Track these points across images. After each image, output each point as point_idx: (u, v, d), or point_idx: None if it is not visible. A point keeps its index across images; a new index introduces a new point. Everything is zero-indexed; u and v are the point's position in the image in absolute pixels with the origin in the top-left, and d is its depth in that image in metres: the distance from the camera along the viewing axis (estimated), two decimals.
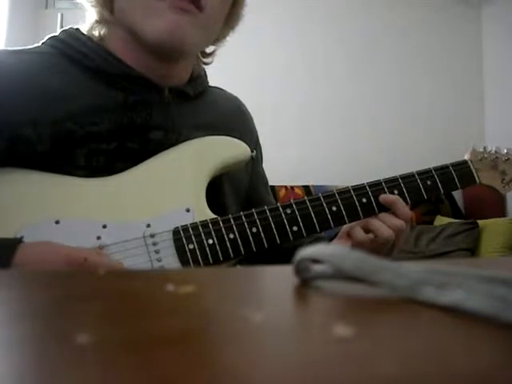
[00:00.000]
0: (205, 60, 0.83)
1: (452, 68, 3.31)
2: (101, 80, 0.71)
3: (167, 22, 0.66)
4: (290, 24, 3.17)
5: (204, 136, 0.75)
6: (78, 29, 0.75)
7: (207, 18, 0.69)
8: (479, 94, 3.34)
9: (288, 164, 2.98)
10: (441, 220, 2.84)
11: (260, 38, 3.12)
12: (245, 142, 0.79)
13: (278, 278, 0.32)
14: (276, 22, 3.16)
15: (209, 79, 0.88)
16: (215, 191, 0.75)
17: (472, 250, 2.51)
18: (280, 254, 0.76)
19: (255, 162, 0.85)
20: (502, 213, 2.90)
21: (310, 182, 2.85)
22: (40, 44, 0.75)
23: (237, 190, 0.81)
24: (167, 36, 0.67)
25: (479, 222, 2.62)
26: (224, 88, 0.90)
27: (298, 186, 2.78)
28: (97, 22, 0.74)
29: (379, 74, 3.23)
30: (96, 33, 0.74)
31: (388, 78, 3.24)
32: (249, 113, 0.90)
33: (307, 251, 0.26)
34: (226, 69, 2.76)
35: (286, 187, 2.79)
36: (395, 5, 3.27)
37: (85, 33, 0.74)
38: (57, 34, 0.75)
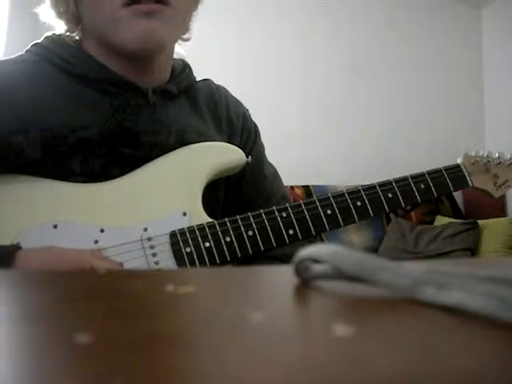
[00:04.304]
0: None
1: (452, 68, 3.31)
2: (85, 85, 0.71)
3: (136, 31, 0.66)
4: (290, 25, 3.17)
5: (193, 133, 0.76)
6: (60, 34, 0.75)
7: (175, 10, 0.68)
8: (479, 94, 3.34)
9: (288, 164, 2.98)
10: (441, 220, 2.84)
11: (260, 39, 3.12)
12: (235, 133, 0.80)
13: (278, 278, 0.32)
14: (276, 24, 3.16)
15: (209, 79, 0.87)
16: (212, 195, 0.76)
17: (472, 250, 2.51)
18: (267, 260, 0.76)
19: (255, 160, 0.84)
20: (502, 213, 2.90)
21: (310, 182, 2.85)
22: (24, 52, 0.75)
23: (234, 193, 0.82)
24: (141, 44, 0.67)
25: (479, 221, 2.62)
26: (222, 86, 0.89)
27: (297, 186, 2.78)
28: (68, 30, 0.75)
29: (379, 74, 3.23)
30: (75, 36, 0.75)
31: (388, 78, 3.24)
32: (237, 102, 0.88)
33: (307, 251, 0.26)
34: (227, 69, 2.76)
35: (285, 187, 2.79)
36: (395, 5, 3.27)
37: (67, 38, 0.74)
38: (40, 40, 0.76)
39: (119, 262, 0.64)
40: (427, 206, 2.90)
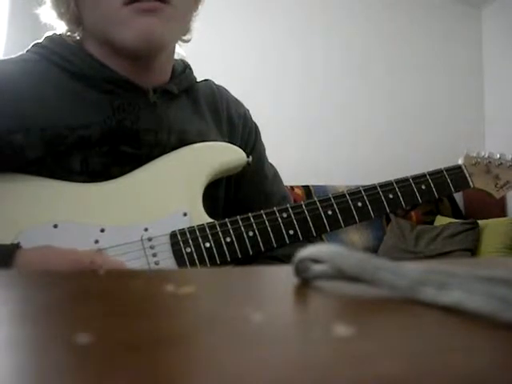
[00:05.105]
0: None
1: (452, 68, 3.31)
2: (86, 84, 0.71)
3: (136, 29, 0.66)
4: (289, 25, 3.17)
5: (194, 133, 0.76)
6: (61, 34, 0.75)
7: (175, 8, 0.67)
8: (479, 94, 3.34)
9: (288, 164, 2.98)
10: (441, 220, 2.84)
11: (261, 39, 3.12)
12: (235, 133, 0.80)
13: (278, 278, 0.32)
14: (276, 24, 3.16)
15: (210, 79, 0.87)
16: (212, 195, 0.76)
17: (472, 250, 2.51)
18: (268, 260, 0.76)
19: (256, 160, 0.84)
20: (502, 213, 2.90)
21: (310, 182, 2.85)
22: (25, 51, 0.75)
23: (234, 193, 0.82)
24: (141, 42, 0.67)
25: (479, 222, 2.62)
26: (223, 86, 0.89)
27: (297, 186, 2.78)
28: (69, 31, 0.75)
29: (379, 74, 3.23)
30: (76, 36, 0.75)
31: (388, 77, 3.24)
32: (238, 102, 0.88)
33: (307, 251, 0.26)
34: (227, 69, 2.76)
35: (285, 187, 2.78)
36: (394, 5, 3.27)
37: (68, 38, 0.74)
38: (41, 40, 0.76)
39: (121, 261, 0.64)
40: (427, 206, 2.90)
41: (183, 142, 0.74)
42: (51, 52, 0.73)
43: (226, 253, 0.68)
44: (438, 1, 3.32)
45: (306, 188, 2.81)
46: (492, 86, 3.27)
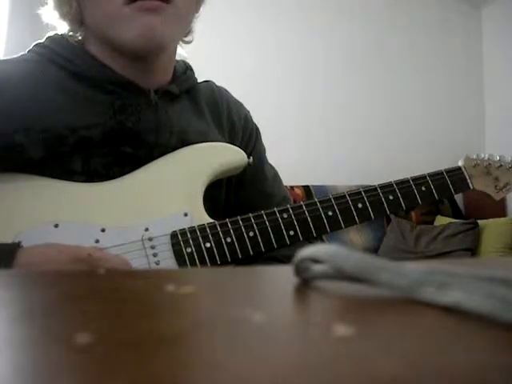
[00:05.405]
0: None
1: (452, 68, 3.31)
2: (87, 84, 0.71)
3: (138, 28, 0.66)
4: (289, 24, 3.17)
5: (194, 134, 0.76)
6: (62, 34, 0.75)
7: (177, 8, 0.67)
8: (479, 94, 3.34)
9: (288, 164, 2.98)
10: (441, 220, 2.84)
11: (260, 38, 3.12)
12: (236, 135, 0.80)
13: (278, 278, 0.32)
14: (275, 22, 3.16)
15: (209, 79, 0.87)
16: (213, 196, 0.76)
17: (472, 250, 2.51)
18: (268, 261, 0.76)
19: (256, 162, 0.84)
20: (502, 213, 2.90)
21: (310, 182, 2.85)
22: (26, 52, 0.75)
23: (235, 194, 0.82)
24: (142, 41, 0.67)
25: (479, 222, 2.63)
26: (224, 87, 0.89)
27: (297, 186, 2.78)
28: (71, 31, 0.75)
29: (379, 74, 3.23)
30: (78, 36, 0.75)
31: (388, 78, 3.24)
32: (239, 104, 0.88)
33: (307, 251, 0.26)
34: (226, 68, 2.76)
35: (285, 187, 2.78)
36: (395, 5, 3.27)
37: (69, 38, 0.75)
38: (42, 40, 0.76)
39: (123, 256, 0.64)
40: (427, 206, 2.90)
41: (184, 143, 0.74)
42: (52, 52, 0.73)
43: (227, 253, 0.68)
44: (438, 1, 3.32)
45: (306, 188, 2.81)
46: (492, 86, 3.27)
